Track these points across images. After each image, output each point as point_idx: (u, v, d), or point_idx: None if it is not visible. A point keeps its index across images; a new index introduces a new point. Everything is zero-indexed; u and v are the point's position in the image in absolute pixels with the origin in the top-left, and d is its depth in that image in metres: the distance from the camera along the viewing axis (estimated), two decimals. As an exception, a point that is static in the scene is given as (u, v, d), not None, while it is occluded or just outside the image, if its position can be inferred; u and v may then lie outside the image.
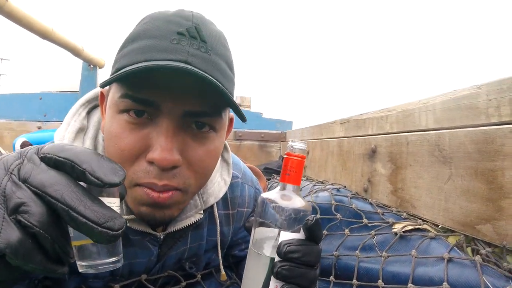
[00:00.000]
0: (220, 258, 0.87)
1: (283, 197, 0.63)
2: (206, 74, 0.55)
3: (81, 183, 0.41)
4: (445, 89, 0.90)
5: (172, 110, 0.58)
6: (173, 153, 0.58)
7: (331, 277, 0.83)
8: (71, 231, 0.42)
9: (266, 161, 2.58)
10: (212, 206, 0.84)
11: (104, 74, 2.72)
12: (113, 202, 0.45)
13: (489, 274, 0.63)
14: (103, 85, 0.59)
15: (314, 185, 1.25)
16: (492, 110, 0.74)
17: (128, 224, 0.69)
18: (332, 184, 1.25)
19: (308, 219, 0.60)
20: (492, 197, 0.70)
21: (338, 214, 0.96)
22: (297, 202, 0.62)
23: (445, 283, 0.63)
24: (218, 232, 0.85)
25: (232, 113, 0.75)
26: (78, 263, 0.44)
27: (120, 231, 0.40)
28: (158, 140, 0.58)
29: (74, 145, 0.43)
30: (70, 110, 0.75)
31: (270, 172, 2.18)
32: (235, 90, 0.71)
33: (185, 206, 0.72)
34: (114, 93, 0.61)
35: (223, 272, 0.86)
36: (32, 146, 0.44)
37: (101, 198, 0.42)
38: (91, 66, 2.65)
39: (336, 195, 1.07)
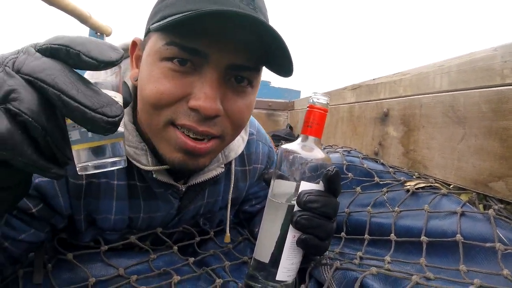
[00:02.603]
0: (228, 218, 0.88)
1: (304, 148, 0.63)
2: (265, 21, 0.55)
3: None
4: (462, 52, 0.90)
5: (218, 61, 0.59)
6: (217, 102, 0.59)
7: (342, 233, 0.85)
8: (71, 135, 0.41)
9: (273, 129, 2.59)
10: (231, 163, 0.86)
11: (111, 42, 2.67)
12: (114, 96, 0.42)
13: (502, 227, 0.64)
14: (155, 29, 0.59)
15: (324, 148, 1.26)
16: (508, 71, 0.74)
17: (154, 175, 0.70)
18: (342, 148, 1.26)
19: (328, 170, 0.61)
20: (505, 154, 0.72)
21: (350, 174, 0.97)
22: (318, 154, 0.63)
23: (458, 235, 0.65)
24: (231, 190, 0.87)
25: None
26: (77, 165, 0.42)
27: (116, 118, 0.37)
28: (202, 89, 0.59)
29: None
30: None
31: (277, 139, 2.19)
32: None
33: (216, 156, 0.73)
34: (156, 41, 0.61)
35: (227, 234, 0.88)
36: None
37: (102, 90, 0.39)
38: (98, 34, 2.60)
39: (347, 156, 1.08)
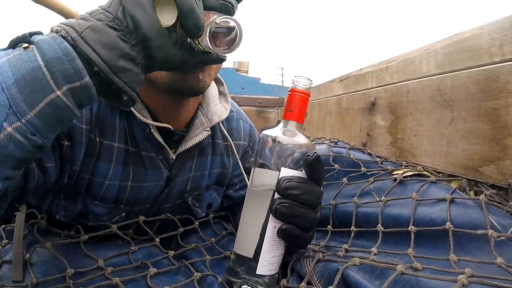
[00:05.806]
0: (240, 163, 0.89)
1: (285, 133, 0.60)
2: None
3: None
4: (447, 33, 0.87)
5: None
6: None
7: (328, 226, 0.81)
8: None
9: (264, 126, 2.56)
10: (213, 136, 0.86)
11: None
12: None
13: (494, 213, 0.61)
14: None
15: (312, 141, 1.23)
16: (495, 49, 0.71)
17: (152, 130, 0.72)
18: (329, 139, 1.23)
19: (308, 155, 0.57)
20: (496, 136, 0.68)
21: (336, 165, 0.94)
22: (300, 139, 0.60)
23: (448, 223, 0.61)
24: (231, 143, 0.88)
25: None
26: None
27: None
28: None
29: None
30: None
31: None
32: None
33: (211, 82, 0.75)
34: None
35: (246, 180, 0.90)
36: None
37: None
38: (85, 32, 2.58)
39: (334, 147, 1.04)
